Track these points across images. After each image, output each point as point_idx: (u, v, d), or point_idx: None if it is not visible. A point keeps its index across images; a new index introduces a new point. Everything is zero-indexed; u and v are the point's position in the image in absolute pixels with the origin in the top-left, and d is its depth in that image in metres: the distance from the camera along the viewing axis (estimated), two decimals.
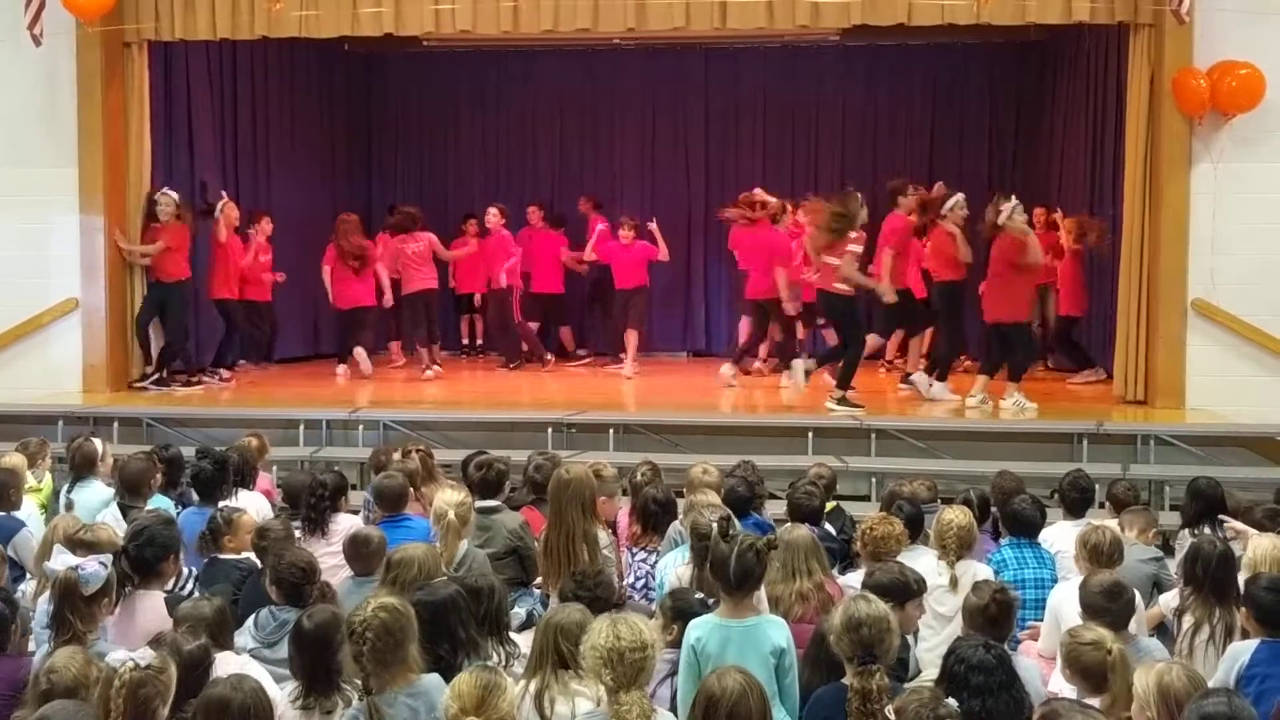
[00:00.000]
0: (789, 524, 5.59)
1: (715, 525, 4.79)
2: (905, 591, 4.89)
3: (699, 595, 5.01)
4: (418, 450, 7.39)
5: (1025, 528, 6.15)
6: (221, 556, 5.80)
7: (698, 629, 4.51)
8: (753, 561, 4.51)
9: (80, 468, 7.27)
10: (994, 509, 6.62)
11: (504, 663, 4.65)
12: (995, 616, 4.74)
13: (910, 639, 5.09)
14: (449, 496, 5.96)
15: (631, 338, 12.92)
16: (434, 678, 4.17)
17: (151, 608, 4.99)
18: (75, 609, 4.54)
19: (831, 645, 4.25)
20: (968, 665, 4.12)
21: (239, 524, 5.87)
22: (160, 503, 6.63)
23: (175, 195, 11.36)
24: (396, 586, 4.86)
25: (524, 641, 4.86)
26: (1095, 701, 4.22)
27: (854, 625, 4.19)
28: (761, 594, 4.80)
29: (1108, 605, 4.82)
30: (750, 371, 12.61)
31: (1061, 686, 5.07)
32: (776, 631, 4.52)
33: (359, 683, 4.09)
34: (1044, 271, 11.29)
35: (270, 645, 4.90)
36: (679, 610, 4.82)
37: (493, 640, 4.70)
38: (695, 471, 6.79)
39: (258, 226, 12.69)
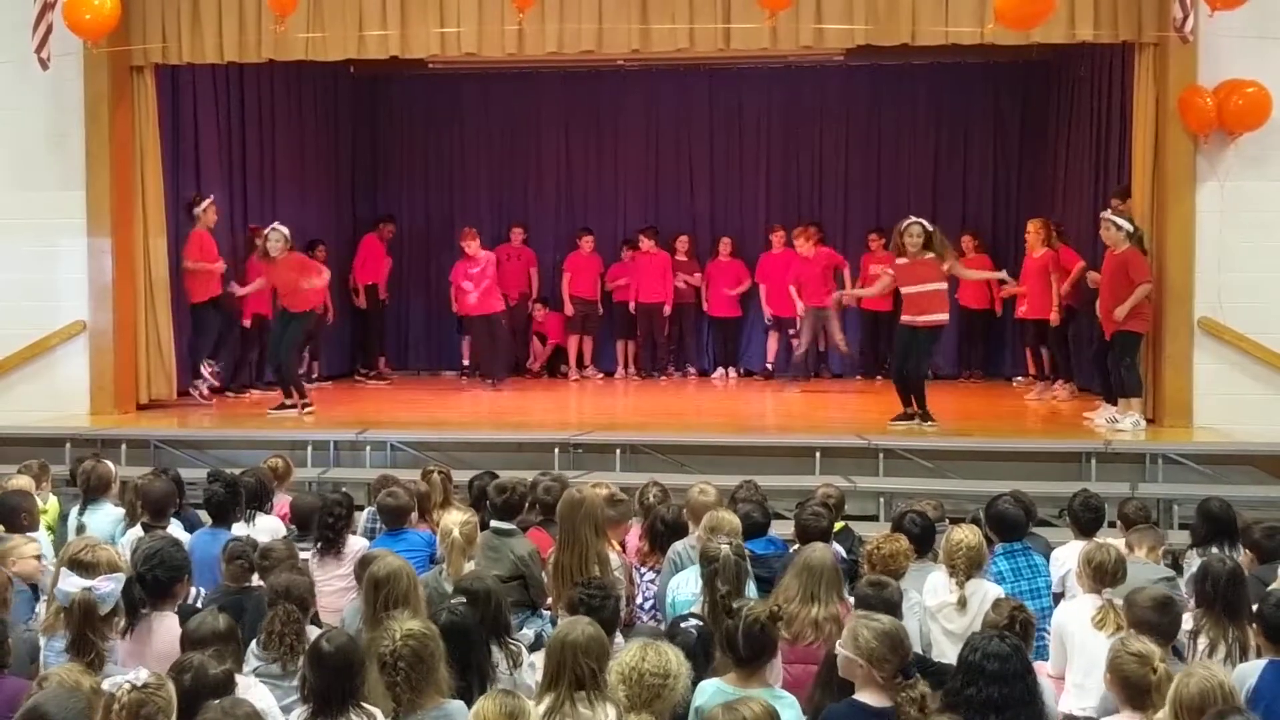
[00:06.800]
0: (813, 544, 5.51)
1: (719, 600, 4.86)
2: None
3: (697, 623, 5.02)
4: (439, 472, 7.43)
5: (1010, 529, 6.15)
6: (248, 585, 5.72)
7: (702, 696, 4.40)
8: (759, 635, 4.45)
9: (94, 490, 7.25)
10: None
11: (511, 666, 4.72)
12: (1017, 634, 4.74)
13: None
14: (454, 516, 6.02)
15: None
16: (458, 704, 4.15)
17: (165, 629, 4.99)
18: (95, 629, 4.59)
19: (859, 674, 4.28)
20: (983, 653, 4.15)
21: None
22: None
23: (285, 230, 11.25)
24: (389, 603, 4.78)
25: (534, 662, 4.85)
26: (1129, 718, 4.20)
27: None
28: (777, 663, 4.72)
29: (1157, 619, 4.83)
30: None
31: (1070, 707, 5.08)
32: (784, 709, 4.27)
33: (370, 708, 4.08)
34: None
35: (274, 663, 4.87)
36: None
37: (496, 643, 4.70)
38: (694, 493, 6.69)
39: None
